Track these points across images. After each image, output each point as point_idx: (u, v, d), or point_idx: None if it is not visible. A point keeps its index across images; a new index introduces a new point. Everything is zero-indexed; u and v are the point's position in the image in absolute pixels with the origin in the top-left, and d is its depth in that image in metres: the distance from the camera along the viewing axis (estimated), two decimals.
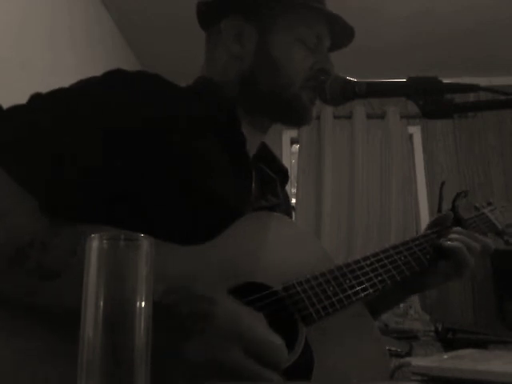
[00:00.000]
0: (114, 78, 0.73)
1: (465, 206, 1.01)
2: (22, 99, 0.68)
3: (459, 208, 0.99)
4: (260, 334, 0.54)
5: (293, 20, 0.84)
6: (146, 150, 0.68)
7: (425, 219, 2.95)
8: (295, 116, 0.87)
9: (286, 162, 3.11)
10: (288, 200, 1.02)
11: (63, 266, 0.54)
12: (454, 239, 0.88)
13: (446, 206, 1.01)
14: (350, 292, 0.73)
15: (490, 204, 1.07)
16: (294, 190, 3.05)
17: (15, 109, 0.65)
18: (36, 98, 0.68)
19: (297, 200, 3.00)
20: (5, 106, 0.67)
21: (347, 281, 0.74)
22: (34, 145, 0.62)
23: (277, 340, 0.55)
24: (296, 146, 3.18)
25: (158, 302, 0.51)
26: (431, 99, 0.73)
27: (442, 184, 1.05)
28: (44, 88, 0.70)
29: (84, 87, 0.71)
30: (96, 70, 0.75)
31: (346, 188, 2.97)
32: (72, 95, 0.70)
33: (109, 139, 0.65)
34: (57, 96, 0.69)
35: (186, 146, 0.72)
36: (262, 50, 0.84)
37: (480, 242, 0.89)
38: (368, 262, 0.79)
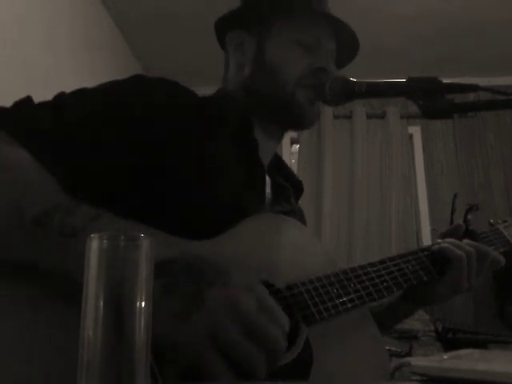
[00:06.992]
0: (136, 80, 0.78)
1: (476, 220, 0.99)
2: None
3: (470, 222, 0.98)
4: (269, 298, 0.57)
5: (288, 24, 0.88)
6: (160, 151, 0.72)
7: (425, 219, 2.95)
8: (294, 116, 0.88)
9: (285, 162, 3.10)
10: (301, 211, 1.02)
11: (82, 227, 0.56)
12: (443, 242, 0.86)
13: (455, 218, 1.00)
14: (353, 295, 0.72)
15: (505, 221, 1.07)
16: None
17: (44, 104, 0.71)
18: (61, 96, 0.73)
19: None
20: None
21: (352, 284, 0.73)
22: (60, 136, 0.68)
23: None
24: (296, 146, 3.18)
25: (158, 263, 0.53)
26: (431, 99, 0.73)
27: (455, 196, 1.03)
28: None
29: (108, 88, 0.76)
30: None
31: (346, 188, 2.97)
32: (96, 94, 0.75)
33: (131, 137, 0.70)
34: (81, 94, 0.74)
35: (200, 152, 0.75)
36: (259, 56, 0.88)
37: (487, 252, 0.87)
38: (375, 268, 0.77)
